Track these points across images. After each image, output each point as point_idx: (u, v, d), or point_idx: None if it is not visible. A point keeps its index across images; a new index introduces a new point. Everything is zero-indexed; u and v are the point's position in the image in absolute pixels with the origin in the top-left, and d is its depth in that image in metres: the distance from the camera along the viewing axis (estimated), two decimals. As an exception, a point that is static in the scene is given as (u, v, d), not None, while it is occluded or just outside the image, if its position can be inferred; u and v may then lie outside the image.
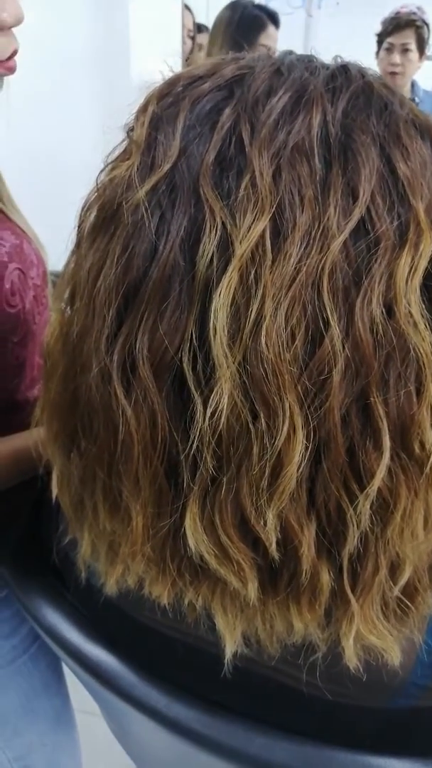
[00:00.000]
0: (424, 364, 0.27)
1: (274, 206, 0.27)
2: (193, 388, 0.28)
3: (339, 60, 0.34)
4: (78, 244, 0.33)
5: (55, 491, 0.35)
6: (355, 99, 0.31)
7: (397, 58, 2.13)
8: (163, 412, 0.28)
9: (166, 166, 0.29)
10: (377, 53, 2.19)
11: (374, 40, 2.20)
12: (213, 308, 0.27)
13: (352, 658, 0.32)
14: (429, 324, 0.28)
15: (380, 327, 0.27)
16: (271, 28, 1.77)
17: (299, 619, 0.31)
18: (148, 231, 0.29)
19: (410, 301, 0.27)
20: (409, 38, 2.11)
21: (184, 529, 0.29)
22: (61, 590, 0.44)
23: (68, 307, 0.32)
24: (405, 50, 2.12)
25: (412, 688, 0.36)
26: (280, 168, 0.28)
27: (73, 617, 0.44)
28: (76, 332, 0.31)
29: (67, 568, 0.40)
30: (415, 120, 0.32)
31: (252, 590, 0.30)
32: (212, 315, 0.27)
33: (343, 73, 0.33)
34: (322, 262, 0.27)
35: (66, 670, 0.78)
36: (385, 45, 2.15)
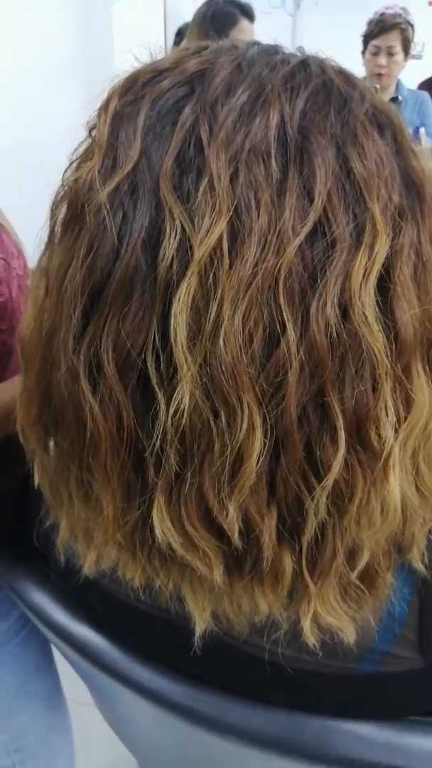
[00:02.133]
0: (377, 363, 0.28)
1: (232, 209, 0.28)
2: (156, 388, 0.28)
3: (301, 53, 0.34)
4: (50, 239, 0.33)
5: (36, 477, 0.36)
6: (314, 97, 0.31)
7: (383, 60, 2.15)
8: (129, 410, 0.29)
9: (128, 167, 0.29)
10: (363, 53, 2.22)
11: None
12: (173, 311, 0.27)
13: (309, 636, 0.33)
14: (382, 324, 0.28)
15: (335, 329, 0.28)
16: (243, 22, 1.74)
17: (263, 600, 0.33)
18: (110, 233, 0.29)
19: (364, 302, 0.28)
20: (395, 40, 2.13)
21: (152, 520, 0.30)
22: (47, 572, 0.46)
23: (42, 301, 0.33)
24: (390, 53, 2.15)
25: (375, 654, 0.38)
26: (238, 171, 0.28)
27: (58, 598, 0.45)
28: (46, 329, 0.32)
29: (50, 550, 0.41)
30: (376, 114, 0.32)
31: (218, 575, 0.31)
32: (172, 318, 0.27)
33: (302, 69, 0.32)
34: (278, 265, 0.27)
35: (57, 658, 0.80)
36: (370, 48, 2.17)
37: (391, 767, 0.39)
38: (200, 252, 0.27)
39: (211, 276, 0.27)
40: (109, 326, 0.29)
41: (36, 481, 0.36)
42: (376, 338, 0.28)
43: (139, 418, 0.29)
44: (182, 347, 0.27)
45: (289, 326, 0.27)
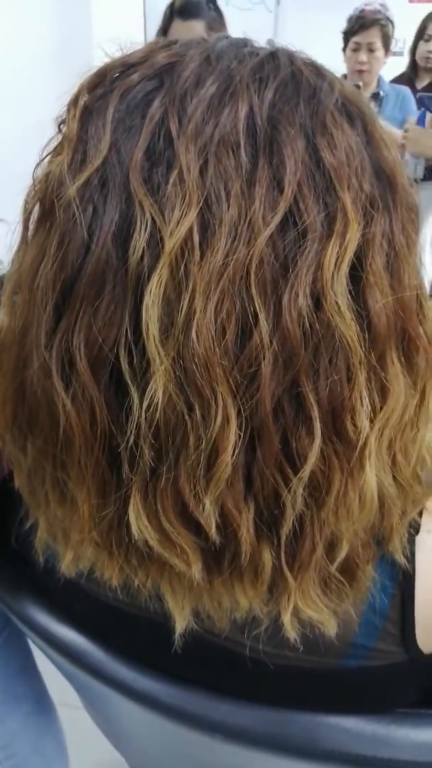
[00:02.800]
0: (351, 353, 0.28)
1: (202, 201, 0.28)
2: (129, 383, 0.28)
3: (270, 45, 0.34)
4: (22, 237, 0.33)
5: (15, 478, 0.36)
6: (283, 88, 0.31)
7: (363, 56, 2.17)
8: (102, 406, 0.29)
9: (97, 161, 0.29)
10: (344, 49, 2.23)
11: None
12: (144, 304, 0.27)
13: (290, 631, 0.33)
14: (355, 313, 0.29)
15: (307, 319, 0.28)
16: (176, 22, 1.68)
17: (243, 596, 0.33)
18: (80, 227, 0.29)
19: (337, 291, 0.28)
20: (375, 37, 2.15)
21: (128, 517, 0.30)
22: (28, 573, 0.46)
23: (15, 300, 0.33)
24: (371, 49, 2.16)
25: (359, 650, 0.38)
26: (207, 162, 0.28)
27: (39, 599, 0.45)
28: (19, 327, 0.32)
29: (29, 551, 0.41)
30: (345, 104, 0.32)
31: (196, 571, 0.31)
32: (144, 311, 0.27)
33: (271, 60, 0.32)
34: (249, 255, 0.27)
35: (41, 660, 0.79)
36: (351, 44, 2.18)
37: (378, 759, 0.39)
38: (171, 244, 0.27)
39: (182, 268, 0.27)
40: (80, 321, 0.29)
41: (16, 483, 0.36)
42: (348, 327, 0.28)
43: (112, 413, 0.29)
44: (154, 340, 0.27)
45: (262, 317, 0.27)
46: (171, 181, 0.28)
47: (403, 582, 0.37)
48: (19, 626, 0.47)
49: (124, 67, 0.33)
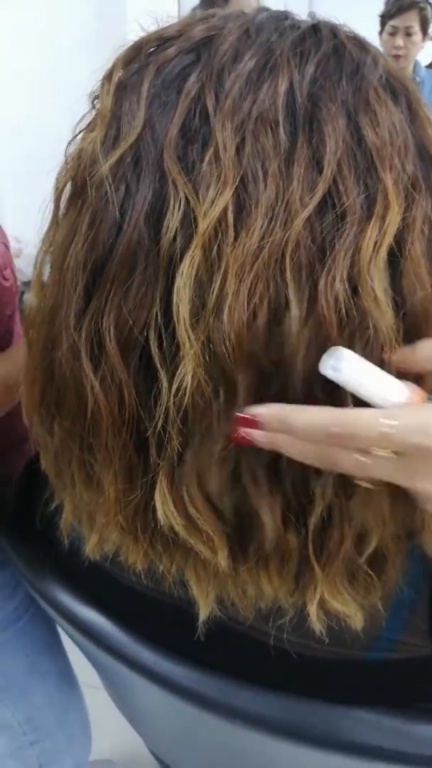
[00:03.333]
0: (385, 342, 0.28)
1: (237, 180, 0.27)
2: (158, 366, 0.28)
3: (312, 18, 0.33)
4: (54, 216, 0.32)
5: (41, 459, 0.36)
6: (325, 62, 0.30)
7: (400, 41, 2.12)
8: (131, 389, 0.29)
9: (131, 138, 0.29)
10: (380, 33, 2.18)
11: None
12: (176, 286, 0.27)
13: (316, 622, 0.33)
14: (392, 301, 0.28)
15: (344, 305, 0.27)
16: None
17: (269, 585, 0.32)
18: (112, 206, 0.28)
19: (373, 276, 0.27)
20: (413, 21, 2.09)
21: (154, 502, 0.30)
22: (53, 554, 0.46)
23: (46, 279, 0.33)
24: (408, 33, 2.11)
25: (383, 642, 0.38)
26: (244, 140, 0.28)
27: (63, 579, 0.45)
28: (48, 307, 0.31)
29: (54, 532, 0.41)
30: (390, 80, 0.31)
31: (222, 558, 0.31)
32: (175, 293, 0.27)
33: (313, 34, 0.31)
34: (285, 238, 0.27)
35: (66, 640, 0.80)
36: (388, 28, 2.13)
37: (400, 753, 0.39)
38: (204, 224, 0.27)
39: (215, 249, 0.27)
40: (111, 303, 0.28)
41: (42, 464, 0.36)
42: (383, 315, 0.27)
43: (141, 397, 0.29)
44: (185, 323, 0.27)
45: (294, 302, 0.27)
46: (206, 159, 0.27)
47: None
48: (42, 606, 0.48)
49: (160, 41, 0.32)
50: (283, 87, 0.29)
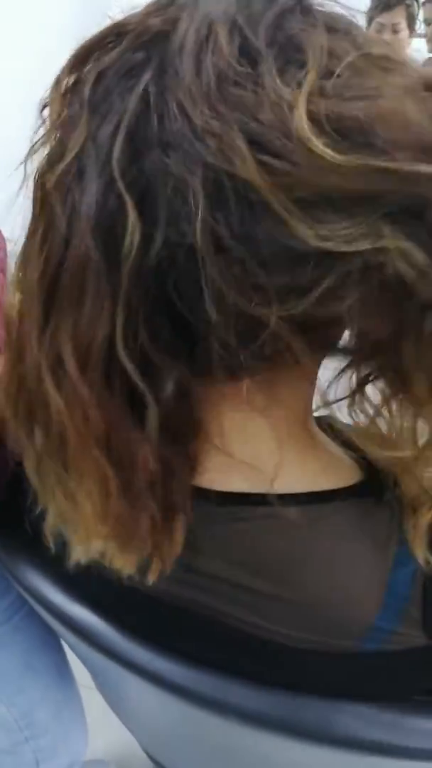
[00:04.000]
0: None
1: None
2: (136, 383, 0.28)
3: None
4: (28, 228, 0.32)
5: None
6: None
7: (387, 38, 2.10)
8: (94, 406, 0.28)
9: (74, 150, 0.28)
10: (367, 30, 2.16)
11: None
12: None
13: None
14: None
15: None
16: None
17: None
18: (60, 221, 0.28)
19: None
20: (399, 17, 2.08)
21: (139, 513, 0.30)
22: (42, 552, 0.46)
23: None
24: (395, 30, 2.09)
25: (379, 632, 0.37)
26: None
27: (53, 578, 0.45)
28: (18, 314, 0.31)
29: (42, 532, 0.41)
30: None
31: None
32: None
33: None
34: None
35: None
36: (375, 25, 2.11)
37: (394, 746, 0.39)
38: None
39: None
40: (66, 321, 0.28)
41: (26, 468, 0.36)
42: None
43: (107, 414, 0.28)
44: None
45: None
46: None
47: (427, 564, 0.36)
48: (33, 605, 0.47)
49: (114, 38, 0.30)
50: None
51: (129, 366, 0.27)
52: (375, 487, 0.37)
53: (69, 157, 0.28)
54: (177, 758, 0.58)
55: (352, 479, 0.38)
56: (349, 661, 0.39)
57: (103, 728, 0.88)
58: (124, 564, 0.33)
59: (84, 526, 0.32)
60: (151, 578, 0.34)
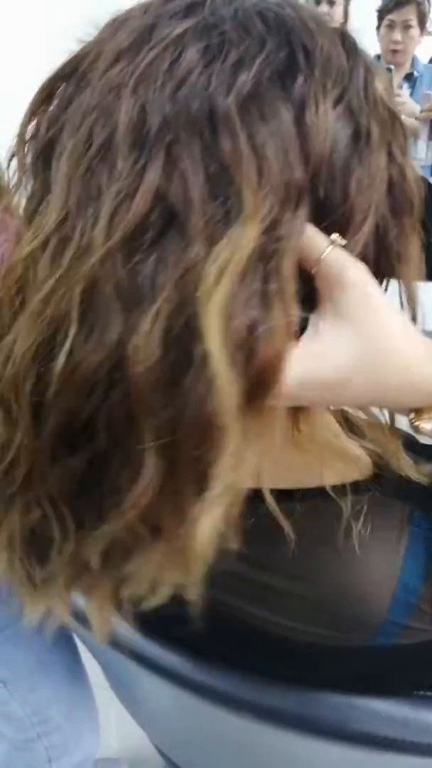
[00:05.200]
0: None
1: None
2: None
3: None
4: None
5: None
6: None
7: (398, 35, 2.10)
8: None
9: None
10: (378, 28, 2.17)
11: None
12: None
13: None
14: None
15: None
16: None
17: None
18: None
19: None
20: (411, 15, 2.08)
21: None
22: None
23: None
24: (406, 27, 2.09)
25: (391, 627, 0.37)
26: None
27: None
28: None
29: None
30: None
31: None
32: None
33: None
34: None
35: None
36: (386, 22, 2.11)
37: (408, 742, 0.39)
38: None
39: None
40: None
41: None
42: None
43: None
44: None
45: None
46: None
47: None
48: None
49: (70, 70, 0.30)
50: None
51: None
52: (386, 480, 0.37)
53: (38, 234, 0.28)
54: (189, 755, 0.58)
55: (360, 473, 0.38)
56: (361, 656, 0.39)
57: (115, 726, 0.89)
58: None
59: None
60: None
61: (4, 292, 0.27)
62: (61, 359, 0.26)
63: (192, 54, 0.27)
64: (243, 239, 0.25)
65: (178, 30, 0.28)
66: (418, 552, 0.36)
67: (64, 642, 0.80)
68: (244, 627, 0.40)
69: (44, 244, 0.27)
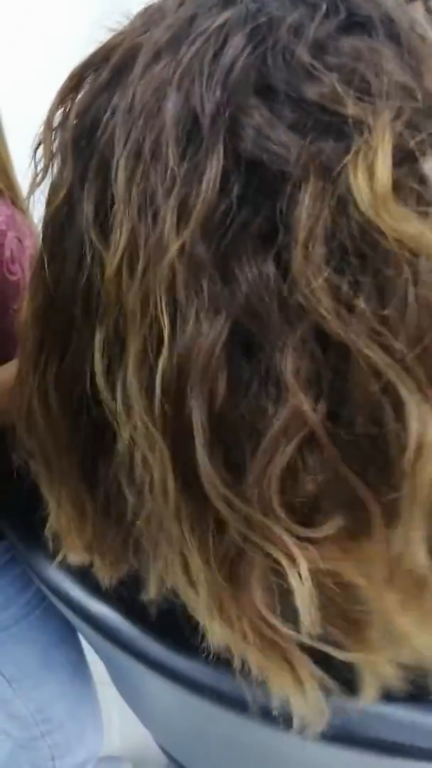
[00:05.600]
0: None
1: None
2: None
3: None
4: None
5: None
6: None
7: None
8: (77, 449, 0.29)
9: (60, 196, 0.28)
10: None
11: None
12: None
13: None
14: None
15: None
16: None
17: None
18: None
19: None
20: (418, 12, 2.05)
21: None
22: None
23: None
24: None
25: None
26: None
27: (73, 574, 0.45)
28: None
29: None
30: None
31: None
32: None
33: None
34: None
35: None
36: None
37: (416, 748, 0.38)
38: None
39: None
40: (52, 358, 0.29)
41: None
42: None
43: (88, 460, 0.29)
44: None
45: None
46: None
47: None
48: (53, 600, 0.48)
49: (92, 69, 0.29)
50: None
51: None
52: None
53: (56, 202, 0.28)
54: (193, 755, 0.58)
55: None
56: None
57: (118, 725, 0.89)
58: (105, 575, 0.34)
59: (65, 539, 0.33)
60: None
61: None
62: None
63: (238, 40, 0.25)
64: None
65: (219, 20, 0.26)
66: None
67: (69, 640, 0.80)
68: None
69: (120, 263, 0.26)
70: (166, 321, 0.24)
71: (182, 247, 0.24)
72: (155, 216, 0.24)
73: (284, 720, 0.35)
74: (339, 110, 0.23)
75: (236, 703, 0.41)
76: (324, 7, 0.26)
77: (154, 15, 0.29)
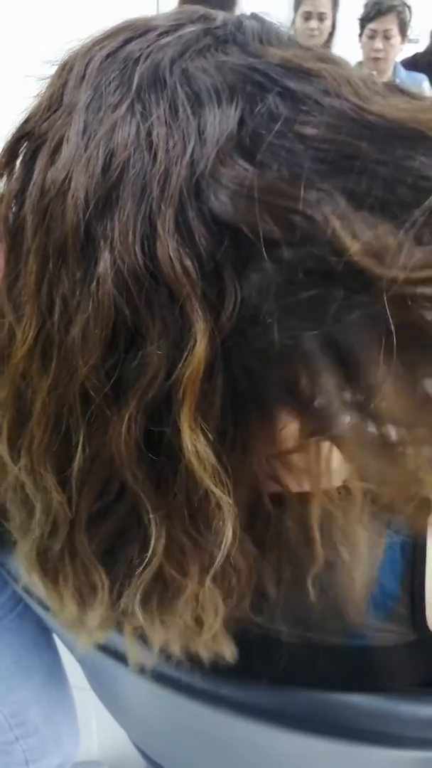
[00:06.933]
0: None
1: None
2: None
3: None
4: None
5: None
6: None
7: (379, 44, 2.13)
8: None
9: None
10: (360, 36, 2.20)
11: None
12: None
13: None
14: None
15: None
16: None
17: None
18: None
19: None
20: (391, 24, 2.11)
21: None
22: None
23: None
24: (387, 36, 2.13)
25: (369, 629, 0.38)
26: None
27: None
28: None
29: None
30: None
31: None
32: None
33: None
34: None
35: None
36: (367, 31, 2.15)
37: (386, 735, 0.39)
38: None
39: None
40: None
41: None
42: None
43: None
44: None
45: None
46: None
47: (414, 563, 0.37)
48: (29, 602, 0.48)
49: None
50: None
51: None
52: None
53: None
54: (171, 754, 0.58)
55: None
56: (341, 657, 0.39)
57: (96, 730, 0.88)
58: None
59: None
60: None
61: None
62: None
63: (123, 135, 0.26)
64: None
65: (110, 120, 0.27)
66: (395, 556, 0.37)
67: (44, 643, 0.79)
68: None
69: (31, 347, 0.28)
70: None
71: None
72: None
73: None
74: None
75: (209, 697, 0.41)
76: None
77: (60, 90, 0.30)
